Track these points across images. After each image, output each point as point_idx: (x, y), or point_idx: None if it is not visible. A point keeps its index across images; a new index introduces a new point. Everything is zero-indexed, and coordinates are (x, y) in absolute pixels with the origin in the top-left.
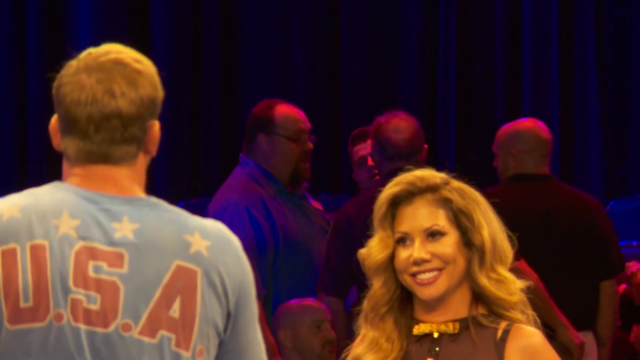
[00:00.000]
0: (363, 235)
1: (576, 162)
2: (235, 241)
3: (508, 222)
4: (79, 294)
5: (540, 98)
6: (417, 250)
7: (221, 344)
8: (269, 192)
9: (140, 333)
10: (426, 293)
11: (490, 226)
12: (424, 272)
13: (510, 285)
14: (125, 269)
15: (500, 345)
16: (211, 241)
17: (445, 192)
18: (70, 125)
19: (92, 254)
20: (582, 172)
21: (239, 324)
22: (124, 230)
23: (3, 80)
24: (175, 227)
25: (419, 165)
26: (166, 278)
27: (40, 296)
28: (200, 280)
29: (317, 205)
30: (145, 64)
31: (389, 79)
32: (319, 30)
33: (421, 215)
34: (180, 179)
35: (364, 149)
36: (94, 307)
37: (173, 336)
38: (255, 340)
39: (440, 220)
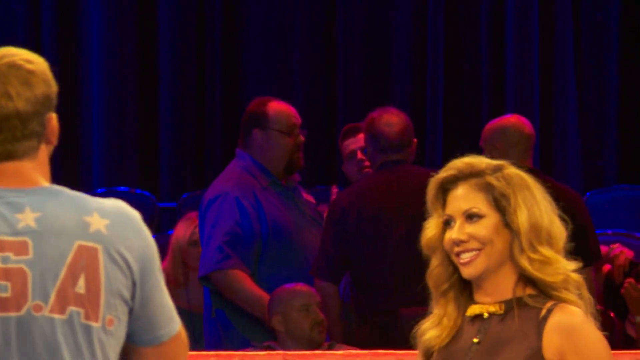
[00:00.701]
0: (355, 223)
1: (556, 155)
2: (134, 216)
3: None
4: None
5: (523, 96)
6: (455, 231)
7: (131, 312)
8: (262, 183)
9: (51, 311)
10: (466, 272)
11: (532, 210)
12: (464, 252)
13: (554, 266)
14: (30, 255)
15: (541, 324)
16: (110, 219)
17: (489, 178)
18: None
19: (0, 245)
20: (561, 165)
21: (146, 291)
22: (27, 219)
23: None
24: (74, 210)
25: (409, 157)
26: (69, 258)
27: None
28: (101, 256)
29: (309, 197)
30: (37, 63)
31: (382, 78)
32: (317, 33)
33: (462, 199)
34: (185, 172)
35: (354, 143)
36: (6, 294)
37: (82, 310)
38: (162, 304)
39: (479, 203)
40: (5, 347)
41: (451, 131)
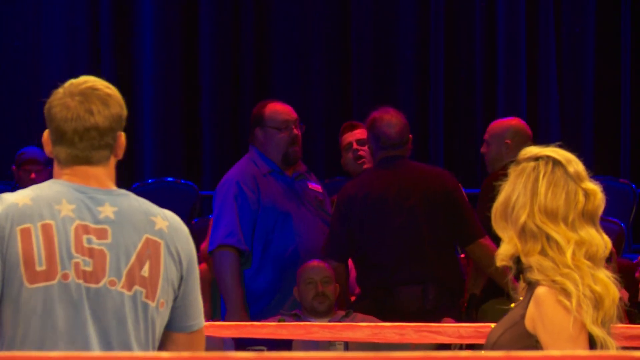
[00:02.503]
0: (360, 210)
1: None
2: (184, 226)
3: None
4: (79, 259)
5: (512, 100)
6: None
7: (175, 300)
8: (262, 171)
9: (122, 287)
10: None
11: (510, 194)
12: None
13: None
14: (109, 239)
15: (529, 296)
16: (169, 222)
17: (513, 166)
18: (60, 137)
19: (85, 229)
20: None
21: (188, 286)
22: (106, 212)
23: None
24: (143, 210)
25: (406, 152)
26: (139, 247)
27: (50, 261)
28: (163, 250)
29: (316, 187)
30: (113, 90)
31: (390, 83)
32: (333, 48)
33: None
34: (222, 165)
35: (350, 136)
36: (89, 269)
37: (144, 290)
38: (196, 300)
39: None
40: (82, 310)
41: (451, 131)
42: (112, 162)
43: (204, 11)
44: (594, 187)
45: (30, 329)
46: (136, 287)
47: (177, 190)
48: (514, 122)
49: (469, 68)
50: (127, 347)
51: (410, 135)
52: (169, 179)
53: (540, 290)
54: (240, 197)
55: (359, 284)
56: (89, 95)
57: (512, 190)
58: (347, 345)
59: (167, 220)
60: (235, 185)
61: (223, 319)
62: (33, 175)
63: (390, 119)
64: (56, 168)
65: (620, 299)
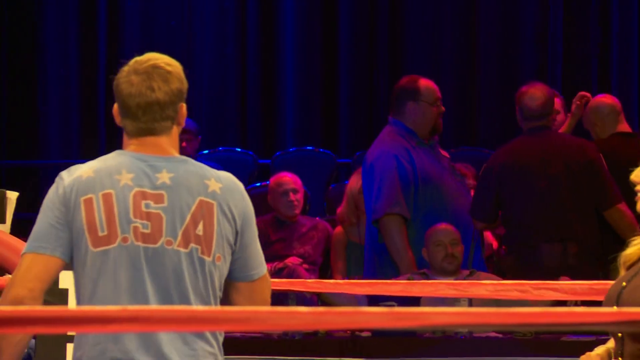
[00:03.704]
0: (508, 175)
1: None
2: (240, 184)
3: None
4: (137, 223)
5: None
6: (633, 173)
7: (233, 254)
8: (411, 143)
9: (178, 246)
10: (626, 207)
11: None
12: (637, 191)
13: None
14: (165, 203)
15: None
16: (222, 184)
17: None
18: (126, 111)
19: (144, 195)
20: None
21: (245, 239)
22: (163, 178)
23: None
24: (198, 175)
25: (550, 123)
26: (193, 208)
27: (111, 227)
28: (216, 210)
29: (445, 153)
30: (174, 65)
31: (513, 65)
32: (462, 33)
33: None
34: (358, 135)
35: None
36: (147, 231)
37: (199, 247)
38: (255, 251)
39: None
40: (141, 269)
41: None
42: (175, 131)
43: None
44: None
45: (96, 288)
46: (192, 245)
47: (316, 159)
48: (596, 101)
49: (586, 47)
50: (186, 299)
51: (556, 107)
52: (308, 147)
53: None
54: (400, 169)
55: (505, 243)
56: (150, 73)
57: None
58: (471, 302)
59: (221, 182)
60: (394, 158)
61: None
62: (184, 144)
63: (534, 93)
64: (125, 138)
65: None
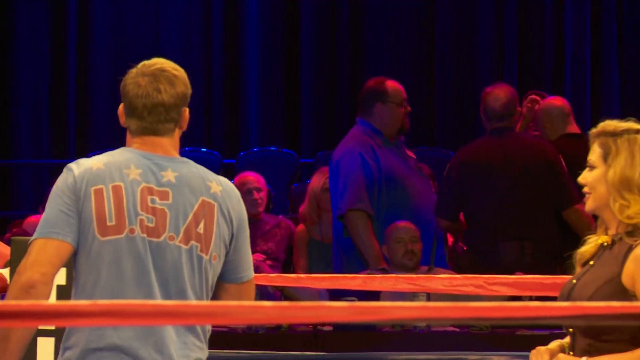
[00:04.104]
0: (470, 174)
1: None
2: (237, 191)
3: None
4: (143, 216)
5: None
6: (581, 175)
7: (227, 255)
8: (377, 143)
9: (179, 242)
10: (584, 208)
11: (626, 164)
12: (584, 193)
13: (629, 210)
14: (170, 200)
15: (626, 255)
16: (223, 187)
17: (609, 137)
18: (132, 111)
19: (150, 191)
20: None
21: (238, 242)
22: (169, 176)
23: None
24: (200, 176)
25: (513, 124)
26: (196, 207)
27: (119, 218)
28: (216, 210)
29: (411, 153)
30: (180, 71)
31: (470, 67)
32: (419, 33)
33: (590, 152)
34: (319, 136)
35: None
36: (151, 225)
37: (199, 245)
38: (246, 255)
39: (594, 156)
40: (146, 260)
41: None
42: (177, 133)
43: None
44: None
45: (101, 276)
46: (192, 242)
47: (279, 159)
48: (544, 104)
49: (540, 54)
50: (183, 293)
51: (519, 109)
52: (271, 148)
53: None
54: (364, 167)
55: (465, 241)
56: (157, 75)
57: (631, 160)
58: (429, 297)
59: (221, 185)
60: (359, 156)
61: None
62: None
63: (498, 94)
64: (128, 137)
65: None
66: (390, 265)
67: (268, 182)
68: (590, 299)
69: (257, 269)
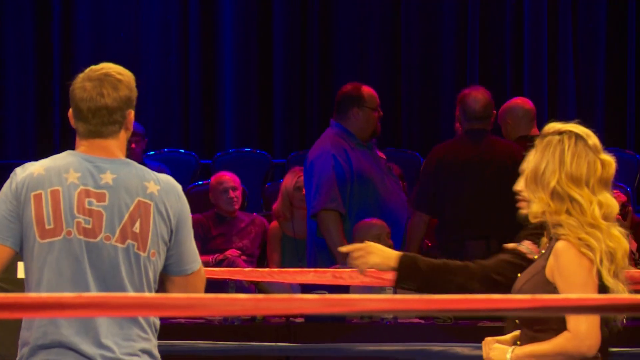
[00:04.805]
0: (445, 171)
1: None
2: (177, 187)
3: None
4: (80, 218)
5: (536, 83)
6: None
7: (168, 250)
8: (350, 145)
9: (116, 241)
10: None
11: (535, 163)
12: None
13: (533, 208)
14: (106, 202)
15: (551, 250)
16: (161, 186)
17: (538, 139)
18: (78, 114)
19: (87, 194)
20: None
21: (179, 237)
22: (107, 179)
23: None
24: (139, 177)
25: (489, 126)
26: (131, 208)
27: (57, 221)
28: (152, 210)
29: (381, 154)
30: (125, 75)
31: (434, 70)
32: (387, 39)
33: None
34: (292, 137)
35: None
36: (88, 226)
37: (135, 243)
38: (189, 248)
39: (526, 159)
40: (83, 261)
41: None
42: (123, 134)
43: (277, 4)
44: (609, 158)
45: (42, 276)
46: (129, 241)
47: (253, 159)
48: (512, 103)
49: (501, 58)
50: (122, 289)
51: (494, 111)
52: (246, 149)
53: (560, 244)
54: (337, 168)
55: (435, 236)
56: (102, 80)
57: (540, 159)
58: (396, 291)
59: (160, 184)
60: (332, 157)
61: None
62: (133, 145)
63: (477, 95)
64: (77, 139)
65: (630, 250)
66: None
67: (243, 181)
68: (519, 291)
69: (233, 264)
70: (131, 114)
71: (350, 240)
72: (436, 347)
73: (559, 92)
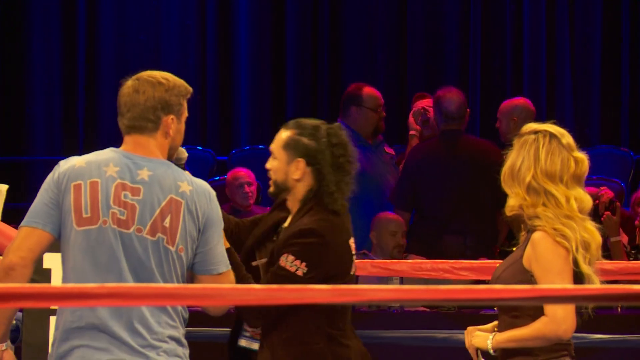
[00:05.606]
0: (424, 170)
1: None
2: (210, 192)
3: None
4: (115, 209)
5: (534, 84)
6: None
7: (196, 248)
8: (354, 143)
9: (147, 234)
10: None
11: (511, 160)
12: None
13: (509, 202)
14: (140, 197)
15: (528, 240)
16: (194, 187)
17: (517, 138)
18: (118, 109)
19: (124, 187)
20: None
21: (205, 237)
22: (143, 175)
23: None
24: (173, 176)
25: (463, 126)
26: (163, 203)
27: (94, 210)
28: (183, 207)
29: (390, 150)
30: (169, 80)
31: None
32: (393, 39)
33: None
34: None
35: (420, 103)
36: (122, 217)
37: (165, 237)
38: (216, 249)
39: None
40: (117, 249)
41: (487, 109)
42: (162, 138)
43: (290, 10)
44: (582, 155)
45: (76, 262)
46: (159, 234)
47: (268, 156)
48: (519, 101)
49: (501, 59)
50: (152, 280)
51: (468, 110)
52: (261, 146)
53: (536, 235)
54: None
55: (414, 231)
56: (143, 80)
57: (517, 156)
58: (402, 281)
59: (192, 186)
60: None
61: None
62: None
63: (452, 97)
64: (123, 138)
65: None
66: (372, 251)
67: (257, 177)
68: (498, 279)
69: None
70: (168, 118)
71: (357, 232)
72: (440, 334)
73: (557, 91)
